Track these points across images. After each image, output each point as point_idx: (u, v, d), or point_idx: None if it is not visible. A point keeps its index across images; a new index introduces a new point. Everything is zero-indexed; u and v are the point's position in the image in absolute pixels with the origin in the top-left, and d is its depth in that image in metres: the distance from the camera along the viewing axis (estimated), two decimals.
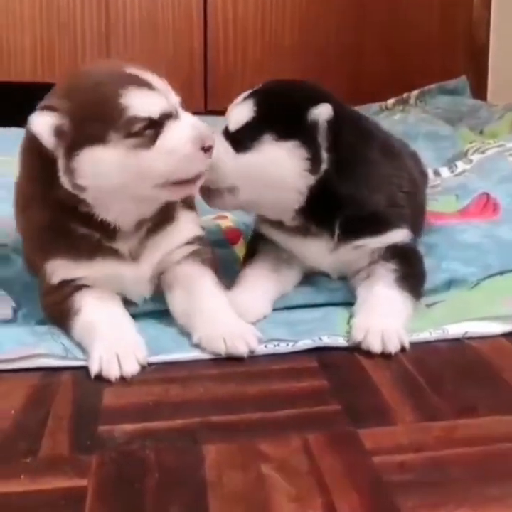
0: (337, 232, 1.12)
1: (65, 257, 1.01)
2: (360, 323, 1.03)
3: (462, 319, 1.07)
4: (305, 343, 1.01)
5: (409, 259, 1.14)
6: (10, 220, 1.36)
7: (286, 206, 1.10)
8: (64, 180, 0.95)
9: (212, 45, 2.80)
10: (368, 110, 2.54)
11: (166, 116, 0.94)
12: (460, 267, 1.21)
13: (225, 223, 1.40)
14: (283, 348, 1.01)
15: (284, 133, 1.06)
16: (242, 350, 0.96)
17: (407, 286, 1.09)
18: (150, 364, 0.96)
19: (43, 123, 0.91)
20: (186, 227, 1.08)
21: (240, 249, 1.29)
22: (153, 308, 1.09)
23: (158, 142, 0.93)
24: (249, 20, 2.81)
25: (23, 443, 0.79)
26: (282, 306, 1.13)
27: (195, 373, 0.95)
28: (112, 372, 0.90)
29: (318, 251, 1.15)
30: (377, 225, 1.13)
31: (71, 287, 1.02)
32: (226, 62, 2.82)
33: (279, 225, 1.15)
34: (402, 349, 1.00)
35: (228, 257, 1.27)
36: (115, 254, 1.02)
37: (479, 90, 2.77)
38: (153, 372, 0.96)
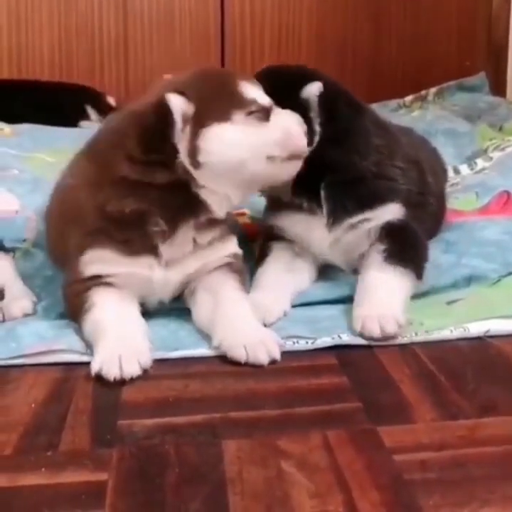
0: (324, 202, 1.13)
1: (107, 249, 1.01)
2: (357, 313, 1.04)
3: (484, 317, 1.06)
4: (324, 341, 1.01)
5: (401, 235, 1.14)
6: (31, 214, 1.38)
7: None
8: (184, 161, 1.00)
9: (230, 46, 2.80)
10: (386, 107, 2.53)
11: (270, 107, 1.05)
12: (481, 263, 1.20)
13: (242, 219, 1.40)
14: (302, 345, 1.01)
15: (282, 108, 1.11)
16: (262, 359, 0.95)
17: (399, 262, 1.10)
18: (169, 359, 0.97)
19: (178, 104, 0.98)
20: (227, 246, 1.11)
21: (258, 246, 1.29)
22: (174, 305, 1.09)
23: (272, 118, 1.04)
24: (266, 17, 2.80)
25: (43, 436, 0.80)
26: (301, 303, 1.13)
27: (215, 369, 0.96)
28: (112, 373, 0.90)
29: (316, 232, 1.16)
30: (366, 195, 1.14)
31: (93, 282, 1.02)
32: (243, 62, 2.81)
33: (280, 208, 1.19)
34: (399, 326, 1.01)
35: (246, 253, 1.26)
36: (154, 257, 1.02)
37: (498, 87, 2.74)
38: (172, 368, 0.96)
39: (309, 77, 1.15)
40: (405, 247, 1.13)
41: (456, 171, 1.70)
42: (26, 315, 1.08)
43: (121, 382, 0.90)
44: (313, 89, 1.12)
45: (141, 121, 1.01)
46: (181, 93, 0.99)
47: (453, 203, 1.42)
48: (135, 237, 1.01)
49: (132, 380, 0.91)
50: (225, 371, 0.94)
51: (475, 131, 2.11)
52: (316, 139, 1.13)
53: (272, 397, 0.88)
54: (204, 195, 1.02)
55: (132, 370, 0.91)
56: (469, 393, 0.88)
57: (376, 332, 1.00)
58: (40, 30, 2.67)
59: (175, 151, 0.99)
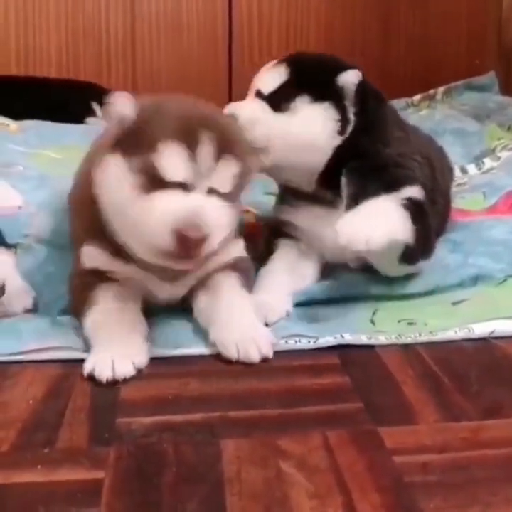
0: (345, 187, 1.12)
1: (109, 250, 0.99)
2: (344, 219, 1.02)
3: (489, 318, 1.04)
4: (327, 341, 0.99)
5: (419, 210, 1.10)
6: (35, 210, 1.37)
7: (312, 168, 1.13)
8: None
9: (237, 43, 2.79)
10: (395, 106, 2.51)
11: (181, 186, 0.89)
12: (487, 263, 1.19)
13: (246, 217, 1.39)
14: (304, 344, 1.00)
15: (317, 95, 1.12)
16: (253, 356, 0.94)
17: (410, 212, 1.06)
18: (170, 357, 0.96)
19: (121, 104, 0.93)
20: (232, 250, 1.06)
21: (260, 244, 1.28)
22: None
23: (151, 195, 0.88)
24: (273, 17, 2.79)
25: (40, 433, 0.79)
26: (303, 301, 1.12)
27: (215, 368, 0.94)
28: (104, 374, 0.89)
29: (330, 224, 1.11)
30: (387, 180, 1.12)
31: (97, 278, 1.01)
32: (251, 64, 2.80)
33: (298, 200, 1.18)
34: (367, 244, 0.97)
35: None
36: (151, 270, 1.00)
37: (508, 87, 2.72)
38: (173, 366, 0.95)
39: (345, 65, 1.15)
40: (421, 215, 1.09)
41: (464, 171, 1.69)
42: (27, 311, 1.08)
43: (116, 382, 0.89)
44: (350, 78, 1.11)
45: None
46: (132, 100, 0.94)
47: (460, 202, 1.40)
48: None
49: (132, 378, 0.90)
50: (226, 370, 0.93)
51: (483, 130, 2.10)
52: (349, 128, 1.12)
53: (272, 396, 0.87)
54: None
55: (125, 371, 0.89)
56: (473, 395, 0.86)
57: (362, 246, 0.97)
58: (48, 32, 2.66)
59: None
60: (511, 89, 2.71)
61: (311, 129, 1.11)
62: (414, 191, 1.13)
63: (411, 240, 1.06)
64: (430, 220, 1.14)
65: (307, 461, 0.74)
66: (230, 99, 2.75)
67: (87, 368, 0.90)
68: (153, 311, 1.05)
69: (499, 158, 1.74)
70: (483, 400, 0.85)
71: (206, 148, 0.91)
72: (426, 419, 0.81)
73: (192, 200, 0.89)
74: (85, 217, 1.03)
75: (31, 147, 1.92)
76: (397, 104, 2.54)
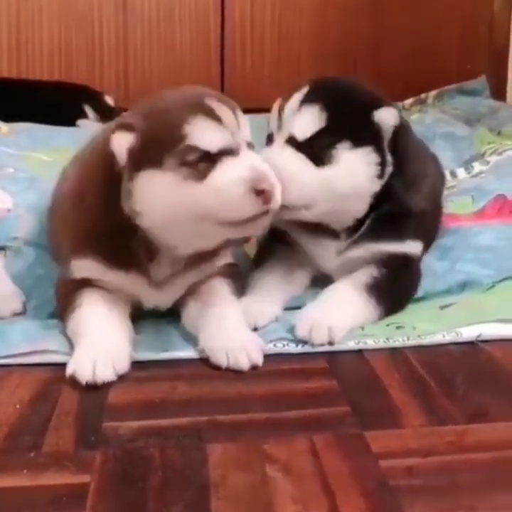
0: (362, 230, 1.10)
1: (98, 261, 0.99)
2: (302, 312, 1.03)
3: (476, 321, 1.05)
4: (315, 346, 1.00)
5: (400, 270, 1.10)
6: (24, 212, 1.37)
7: (353, 215, 1.10)
8: (125, 205, 0.93)
9: (230, 45, 2.79)
10: None
11: (225, 152, 0.91)
12: (475, 269, 1.19)
13: None
14: (292, 348, 1.00)
15: (357, 139, 1.06)
16: (243, 364, 0.93)
17: (376, 294, 1.06)
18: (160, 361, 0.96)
19: (121, 142, 0.91)
20: (221, 259, 1.06)
21: (251, 248, 1.28)
22: None
23: (209, 178, 0.90)
24: (266, 20, 2.79)
25: (27, 437, 0.79)
26: (293, 306, 1.12)
27: (203, 371, 0.95)
28: (84, 376, 0.88)
29: (328, 253, 1.13)
30: (402, 230, 1.10)
31: (84, 283, 1.01)
32: (243, 62, 2.81)
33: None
34: (330, 343, 0.99)
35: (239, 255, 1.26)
36: (143, 276, 1.00)
37: (499, 91, 2.74)
38: (161, 369, 0.95)
39: (377, 100, 1.09)
40: (394, 285, 1.09)
41: (453, 175, 1.69)
42: (16, 314, 1.08)
43: (98, 386, 0.89)
44: (389, 117, 1.06)
45: (96, 165, 0.97)
46: (130, 128, 0.92)
47: (448, 206, 1.41)
48: (121, 253, 0.98)
49: (119, 381, 0.90)
50: (214, 374, 0.93)
51: (474, 135, 2.10)
52: (388, 170, 1.07)
53: (259, 400, 0.87)
54: (152, 238, 0.96)
55: (105, 375, 0.89)
56: (459, 399, 0.87)
57: (301, 334, 0.99)
58: (40, 29, 2.66)
59: (119, 190, 0.93)
60: (502, 94, 2.72)
61: (354, 178, 1.06)
62: (416, 247, 1.13)
63: (377, 318, 1.07)
64: (417, 274, 1.13)
65: (293, 465, 0.74)
66: None
67: (68, 370, 0.90)
68: (142, 315, 1.05)
69: (488, 162, 1.74)
70: (469, 404, 0.86)
71: (226, 107, 0.94)
72: (412, 423, 0.82)
73: (246, 159, 0.92)
74: (78, 231, 1.01)
75: (22, 149, 1.92)
76: None
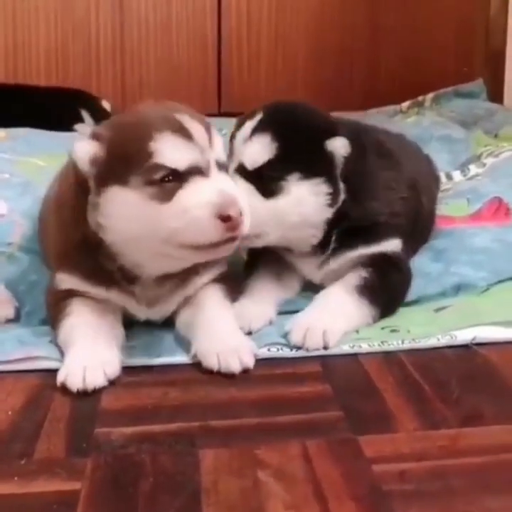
0: (332, 245, 1.11)
1: (80, 278, 0.99)
2: (296, 317, 1.03)
3: (471, 324, 1.04)
4: (309, 350, 0.99)
5: (387, 269, 1.10)
6: (18, 218, 1.37)
7: (307, 241, 1.10)
8: (90, 217, 0.92)
9: (226, 49, 2.79)
10: (383, 113, 2.52)
11: (194, 171, 0.89)
12: (469, 272, 1.19)
13: None
14: (286, 352, 1.00)
15: (307, 170, 1.05)
16: (234, 367, 0.93)
17: (368, 295, 1.06)
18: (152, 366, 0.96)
19: (84, 150, 0.90)
20: (213, 270, 1.04)
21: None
22: None
23: (175, 198, 0.88)
24: (263, 23, 2.79)
25: (18, 445, 0.78)
26: (287, 311, 1.12)
27: (196, 376, 0.94)
28: (75, 384, 0.88)
29: (310, 267, 1.14)
30: (373, 235, 1.11)
31: (72, 292, 1.01)
32: (240, 65, 2.80)
33: None
34: (325, 347, 0.99)
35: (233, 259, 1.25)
36: (130, 295, 1.00)
37: (495, 94, 2.73)
38: (154, 375, 0.94)
39: (329, 128, 1.08)
40: (384, 283, 1.09)
41: (449, 177, 1.69)
42: (8, 321, 1.07)
43: (88, 392, 0.88)
44: (339, 146, 1.05)
45: (67, 175, 0.97)
46: (97, 137, 0.90)
47: (443, 208, 1.41)
48: (96, 270, 0.97)
49: (112, 387, 0.90)
50: (206, 379, 0.93)
51: (470, 137, 2.10)
52: (341, 197, 1.07)
53: (252, 405, 0.87)
54: (118, 255, 0.94)
55: (96, 381, 0.89)
56: (453, 402, 0.86)
57: (295, 340, 0.99)
58: (37, 34, 2.66)
59: (85, 203, 0.91)
60: (499, 96, 2.72)
61: (304, 209, 1.05)
62: (393, 244, 1.12)
63: (371, 321, 1.06)
64: (404, 270, 1.13)
65: (285, 470, 0.73)
66: (219, 104, 2.78)
67: (59, 377, 0.90)
68: (135, 321, 1.05)
69: (484, 164, 1.74)
70: (463, 408, 0.85)
71: (197, 123, 0.91)
72: (405, 427, 0.81)
73: (216, 182, 0.89)
74: (59, 244, 1.01)
75: (18, 155, 1.92)
76: (386, 111, 2.55)
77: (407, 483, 0.71)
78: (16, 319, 1.08)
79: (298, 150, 1.05)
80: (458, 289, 1.16)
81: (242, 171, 1.06)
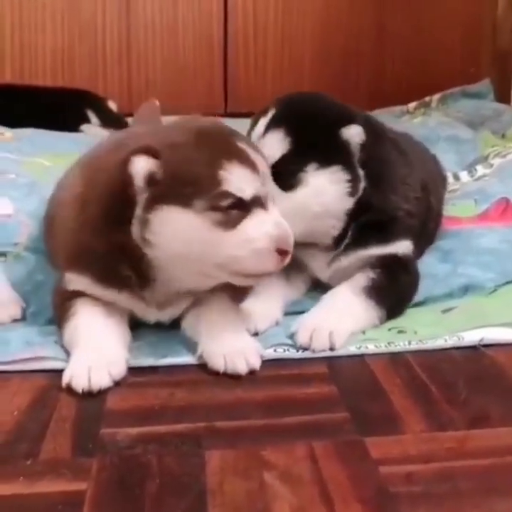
0: (347, 241, 1.10)
1: (92, 279, 0.98)
2: (302, 318, 1.02)
3: (479, 325, 1.04)
4: (315, 351, 0.99)
5: (396, 270, 1.10)
6: (24, 218, 1.37)
7: (330, 232, 1.10)
8: (134, 230, 0.92)
9: (233, 49, 2.79)
10: (390, 114, 2.52)
11: (255, 201, 0.91)
12: (477, 273, 1.18)
13: None
14: (292, 353, 0.99)
15: (324, 159, 1.05)
16: (240, 368, 0.93)
17: (375, 297, 1.05)
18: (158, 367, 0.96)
19: (141, 166, 0.89)
20: None
21: None
22: None
23: (240, 227, 0.90)
24: (269, 23, 2.79)
25: (24, 445, 0.78)
26: (294, 311, 1.11)
27: (203, 377, 0.94)
28: (80, 384, 0.88)
29: (319, 264, 1.13)
30: (387, 233, 1.10)
31: (80, 292, 1.00)
32: (246, 66, 2.81)
33: None
34: (331, 349, 0.98)
35: None
36: (140, 299, 0.99)
37: (503, 94, 2.72)
38: (160, 375, 0.94)
39: (345, 116, 1.08)
40: (392, 285, 1.08)
41: (456, 178, 1.68)
42: (14, 321, 1.07)
43: (93, 393, 0.88)
44: (355, 134, 1.05)
45: (106, 181, 0.94)
46: (155, 154, 0.89)
47: (451, 209, 1.40)
48: (112, 274, 0.97)
49: (118, 388, 0.90)
50: (212, 380, 0.93)
51: (477, 138, 2.10)
52: (361, 185, 1.07)
53: (259, 406, 0.87)
54: (156, 268, 0.94)
55: (101, 382, 0.88)
56: (460, 404, 0.86)
57: (301, 341, 0.99)
58: (43, 35, 2.67)
59: (131, 214, 0.91)
60: (506, 96, 2.71)
61: (324, 198, 1.05)
62: (404, 246, 1.12)
63: (378, 323, 1.06)
64: (413, 272, 1.12)
65: (291, 472, 0.73)
66: (226, 105, 2.78)
67: (64, 378, 0.90)
68: (141, 321, 1.04)
69: (492, 165, 1.73)
70: (470, 409, 0.85)
71: (259, 157, 0.93)
72: (412, 429, 0.81)
73: (273, 216, 0.93)
74: (73, 244, 1.00)
75: (25, 155, 1.92)
76: (393, 111, 2.55)
77: (414, 485, 0.71)
78: (22, 319, 1.08)
79: (312, 140, 1.05)
80: (465, 290, 1.16)
81: None
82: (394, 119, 2.41)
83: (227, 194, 0.89)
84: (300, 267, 1.16)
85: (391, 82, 2.84)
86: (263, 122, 1.08)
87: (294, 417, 0.84)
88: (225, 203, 0.89)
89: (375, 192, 1.08)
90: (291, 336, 1.01)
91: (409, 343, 1.01)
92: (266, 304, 1.09)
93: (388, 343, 1.01)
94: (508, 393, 0.89)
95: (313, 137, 1.05)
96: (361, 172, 1.07)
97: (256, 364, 0.94)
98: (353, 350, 1.00)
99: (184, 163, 0.89)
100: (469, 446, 0.77)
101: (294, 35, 2.81)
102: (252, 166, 0.92)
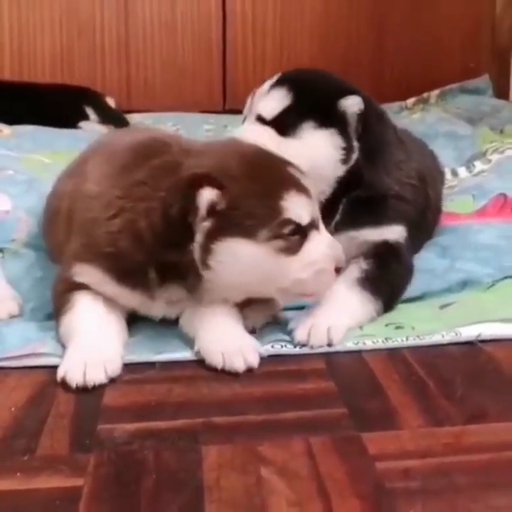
0: (338, 217, 1.11)
1: (106, 273, 0.98)
2: (300, 315, 1.03)
3: (476, 321, 1.04)
4: (313, 347, 0.99)
5: (388, 259, 1.10)
6: (23, 214, 1.37)
7: (318, 198, 1.08)
8: (196, 255, 0.93)
9: (231, 46, 2.79)
10: (388, 109, 2.50)
11: (311, 225, 0.95)
12: (475, 268, 1.19)
13: None
14: (290, 349, 0.99)
15: (322, 121, 1.08)
16: (238, 366, 0.93)
17: (370, 288, 1.06)
18: (156, 363, 0.96)
19: (207, 198, 0.90)
20: None
21: None
22: None
23: (302, 251, 0.94)
24: (268, 21, 2.79)
25: (21, 441, 0.78)
26: (290, 307, 1.11)
27: (200, 373, 0.94)
28: (75, 379, 0.88)
29: None
30: (379, 213, 1.11)
31: (82, 284, 1.00)
32: (245, 63, 2.80)
33: None
34: (329, 344, 0.99)
35: None
36: (151, 297, 0.99)
37: (502, 90, 2.72)
38: (157, 371, 0.94)
39: (346, 88, 1.11)
40: (385, 274, 1.09)
41: (454, 174, 1.68)
42: (12, 317, 1.07)
43: (88, 388, 0.88)
44: (353, 104, 1.08)
45: (161, 204, 0.93)
46: (218, 185, 0.91)
47: (449, 205, 1.40)
48: (132, 273, 0.97)
49: (115, 383, 0.90)
50: (210, 375, 0.93)
51: (476, 133, 2.10)
52: (354, 156, 1.09)
53: (256, 402, 0.87)
54: (207, 285, 0.96)
55: (96, 377, 0.88)
56: (457, 400, 0.86)
57: (300, 338, 0.99)
58: (42, 33, 2.66)
59: (192, 235, 0.92)
60: (505, 92, 2.71)
61: (318, 156, 1.08)
62: (396, 231, 1.12)
63: (375, 315, 1.06)
64: (406, 260, 1.13)
65: (288, 467, 0.73)
66: (224, 104, 2.78)
67: (59, 373, 0.90)
68: (138, 316, 1.04)
69: (490, 161, 1.73)
70: (468, 405, 0.85)
71: (309, 183, 0.97)
72: (409, 425, 0.81)
73: (326, 234, 0.98)
74: (93, 239, 0.99)
75: (23, 152, 1.92)
76: (392, 107, 2.54)
77: (411, 480, 0.71)
78: (20, 315, 1.08)
79: (313, 103, 1.09)
80: (463, 285, 1.16)
81: (261, 120, 1.11)
82: (392, 115, 2.37)
83: (288, 222, 0.92)
84: None
85: (390, 78, 2.84)
86: (268, 83, 1.13)
87: (292, 412, 0.84)
88: (286, 230, 0.93)
89: (367, 167, 1.10)
90: (289, 333, 1.01)
91: (407, 339, 1.01)
92: (262, 301, 1.09)
93: (386, 339, 1.01)
94: (505, 389, 0.89)
95: (314, 99, 1.10)
96: (356, 143, 1.09)
97: (254, 362, 0.94)
98: (350, 346, 1.00)
99: (245, 195, 0.92)
100: (466, 441, 0.77)
101: (293, 33, 2.81)
102: (306, 192, 0.95)
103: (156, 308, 1.01)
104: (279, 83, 1.11)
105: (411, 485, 0.70)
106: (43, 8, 2.65)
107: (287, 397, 0.88)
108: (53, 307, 1.04)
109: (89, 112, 2.40)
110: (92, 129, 2.27)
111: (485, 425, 0.81)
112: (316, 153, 1.08)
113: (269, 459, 0.74)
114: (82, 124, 2.36)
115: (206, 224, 0.92)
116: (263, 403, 0.86)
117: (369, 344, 1.00)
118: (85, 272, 1.00)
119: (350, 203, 1.11)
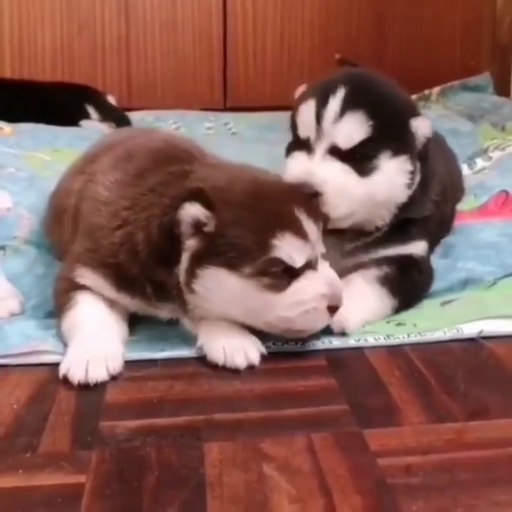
0: (377, 235, 1.09)
1: (106, 280, 0.98)
2: None
3: (478, 318, 1.04)
4: (314, 344, 0.99)
5: (409, 267, 1.10)
6: (24, 212, 1.37)
7: (378, 223, 1.09)
8: (181, 277, 0.92)
9: (232, 43, 2.78)
10: None
11: (306, 266, 0.92)
12: (477, 266, 1.18)
13: None
14: (291, 347, 0.99)
15: (397, 148, 1.04)
16: (239, 362, 0.93)
17: (388, 287, 1.05)
18: (158, 360, 0.96)
19: (189, 212, 0.89)
20: None
21: None
22: None
23: (290, 289, 0.91)
24: (268, 17, 2.78)
25: (23, 438, 0.78)
26: None
27: (202, 370, 0.94)
28: (77, 376, 0.88)
29: (334, 257, 1.10)
30: (408, 232, 1.10)
31: (82, 285, 1.01)
32: (245, 60, 2.80)
33: None
34: (343, 334, 0.99)
35: None
36: (151, 305, 1.00)
37: (503, 87, 2.72)
38: (159, 368, 0.94)
39: (413, 107, 1.08)
40: (405, 279, 1.08)
41: None
42: (13, 315, 1.07)
43: (89, 386, 0.88)
44: (423, 126, 1.04)
45: (166, 210, 0.92)
46: (208, 204, 0.88)
47: None
48: (132, 283, 0.97)
49: (117, 380, 0.90)
50: (211, 372, 0.93)
51: (477, 130, 2.09)
52: (417, 179, 1.06)
53: (257, 398, 0.87)
54: (193, 306, 0.95)
55: (98, 375, 0.89)
56: (459, 396, 0.86)
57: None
58: (43, 31, 2.66)
59: (180, 253, 0.91)
60: (506, 90, 2.70)
61: (392, 187, 1.05)
62: (420, 247, 1.12)
63: (390, 312, 1.06)
64: (426, 273, 1.12)
65: (290, 463, 0.73)
66: (225, 100, 2.78)
67: (61, 369, 0.90)
68: (139, 314, 1.04)
69: (491, 158, 1.73)
70: (469, 401, 0.85)
71: (312, 225, 0.93)
72: (411, 421, 0.81)
73: (323, 273, 0.94)
74: (97, 246, 0.99)
75: (25, 150, 1.92)
76: None
77: (413, 476, 0.71)
78: (20, 313, 1.08)
79: (388, 127, 1.04)
80: (465, 283, 1.16)
81: (335, 152, 1.03)
82: None
83: (277, 261, 0.90)
84: None
85: (391, 75, 2.83)
86: (337, 102, 1.04)
87: (293, 409, 0.84)
88: (274, 269, 0.90)
89: (419, 189, 1.08)
90: None
91: (409, 336, 1.01)
92: None
93: (387, 336, 1.01)
94: (506, 385, 0.89)
95: (389, 123, 1.04)
96: (418, 165, 1.06)
97: (255, 360, 0.94)
98: (351, 342, 1.00)
99: (236, 225, 0.89)
100: (468, 437, 0.77)
101: (294, 28, 2.80)
102: (304, 236, 0.91)
103: (161, 313, 1.02)
104: (352, 106, 1.03)
105: (413, 481, 0.70)
106: (44, 5, 2.64)
107: (289, 393, 0.88)
108: (54, 305, 1.04)
109: (91, 110, 2.40)
110: (93, 127, 2.27)
111: (487, 421, 0.81)
112: (392, 184, 1.05)
113: (270, 456, 0.74)
114: (83, 122, 2.35)
115: (192, 243, 0.91)
116: (264, 400, 0.86)
117: (370, 341, 1.00)
118: (87, 276, 1.00)
119: (398, 223, 1.09)
